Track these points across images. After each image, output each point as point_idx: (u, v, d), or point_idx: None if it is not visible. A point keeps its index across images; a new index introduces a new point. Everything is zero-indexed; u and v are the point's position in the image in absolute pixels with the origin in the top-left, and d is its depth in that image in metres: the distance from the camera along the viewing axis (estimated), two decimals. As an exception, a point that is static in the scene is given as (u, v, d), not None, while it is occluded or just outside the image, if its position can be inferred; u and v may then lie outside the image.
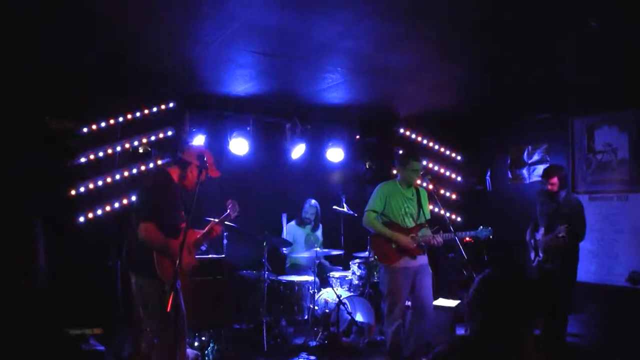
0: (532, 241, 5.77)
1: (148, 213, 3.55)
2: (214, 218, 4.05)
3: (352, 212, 6.70)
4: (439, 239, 4.95)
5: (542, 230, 5.64)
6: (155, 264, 3.48)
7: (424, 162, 7.21)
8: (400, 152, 6.86)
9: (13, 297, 4.53)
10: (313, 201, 6.92)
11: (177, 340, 3.34)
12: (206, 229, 4.00)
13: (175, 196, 3.78)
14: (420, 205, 5.16)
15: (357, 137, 7.70)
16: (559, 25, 4.10)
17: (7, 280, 4.64)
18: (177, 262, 3.20)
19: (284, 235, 6.79)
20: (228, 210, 4.04)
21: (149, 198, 3.69)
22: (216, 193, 4.76)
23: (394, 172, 7.49)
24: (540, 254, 5.60)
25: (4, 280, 4.69)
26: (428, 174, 5.20)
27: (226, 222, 4.25)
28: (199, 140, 6.21)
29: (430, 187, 5.24)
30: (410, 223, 5.08)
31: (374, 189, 5.24)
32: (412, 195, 5.17)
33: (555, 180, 5.44)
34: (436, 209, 6.05)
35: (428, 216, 5.24)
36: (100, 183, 5.84)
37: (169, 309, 3.05)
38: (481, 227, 4.97)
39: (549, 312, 5.27)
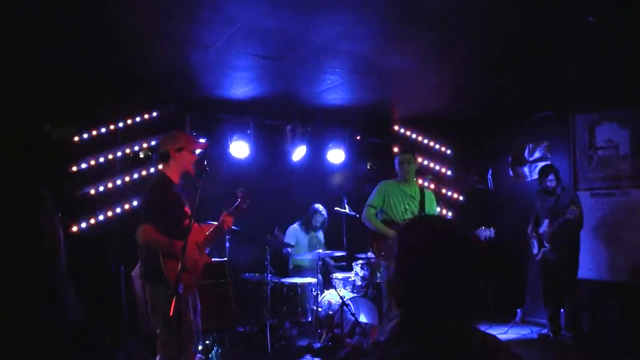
0: (535, 235, 6.14)
1: (145, 215, 3.59)
2: (215, 221, 4.03)
3: (353, 213, 6.69)
4: None
5: (546, 223, 5.98)
6: (162, 267, 3.47)
7: (425, 162, 7.23)
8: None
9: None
10: (322, 209, 6.79)
11: (180, 348, 3.32)
12: (218, 223, 3.97)
13: (176, 196, 3.76)
14: (423, 206, 5.17)
15: (358, 137, 7.69)
16: (558, 23, 4.10)
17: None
18: (179, 265, 3.18)
19: (285, 237, 6.76)
20: (239, 200, 4.03)
21: (147, 201, 3.73)
22: (217, 197, 4.76)
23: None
24: (546, 245, 5.97)
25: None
26: (429, 174, 5.22)
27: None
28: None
29: (432, 186, 5.24)
30: None
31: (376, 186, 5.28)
32: (415, 194, 5.18)
33: (552, 177, 5.93)
34: (437, 209, 6.04)
35: None
36: (101, 188, 5.85)
37: (171, 314, 3.03)
38: (482, 227, 4.96)
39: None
